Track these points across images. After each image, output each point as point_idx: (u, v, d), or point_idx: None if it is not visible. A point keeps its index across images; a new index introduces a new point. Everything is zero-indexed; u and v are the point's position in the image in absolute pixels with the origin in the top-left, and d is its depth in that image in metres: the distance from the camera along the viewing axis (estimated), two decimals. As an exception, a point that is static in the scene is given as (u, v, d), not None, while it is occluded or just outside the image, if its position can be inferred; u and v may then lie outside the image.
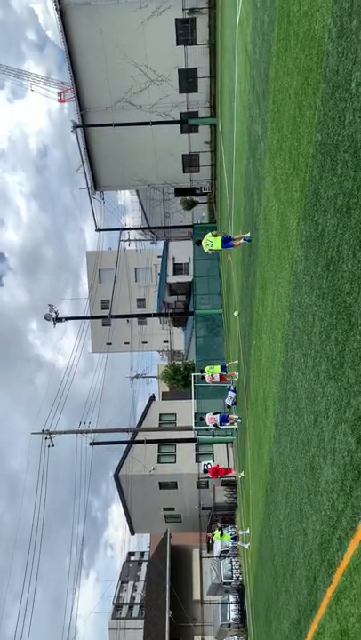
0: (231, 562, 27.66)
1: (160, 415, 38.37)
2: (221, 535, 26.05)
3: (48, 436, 28.37)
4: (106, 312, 43.70)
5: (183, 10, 30.49)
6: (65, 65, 32.98)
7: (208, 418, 22.18)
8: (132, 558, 72.55)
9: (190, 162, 38.03)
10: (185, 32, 31.57)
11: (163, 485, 36.18)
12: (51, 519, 65.53)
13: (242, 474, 20.73)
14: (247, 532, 17.75)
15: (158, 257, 55.66)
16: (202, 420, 24.24)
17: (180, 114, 34.64)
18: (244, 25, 13.20)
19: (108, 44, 31.54)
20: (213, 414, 22.03)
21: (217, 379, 23.03)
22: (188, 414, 32.05)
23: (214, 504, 33.15)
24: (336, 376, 4.88)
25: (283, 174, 7.58)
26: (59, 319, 31.77)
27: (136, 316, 44.71)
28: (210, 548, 33.38)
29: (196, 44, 31.96)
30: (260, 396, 11.85)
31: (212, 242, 15.22)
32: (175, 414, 38.01)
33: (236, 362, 19.91)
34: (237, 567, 27.09)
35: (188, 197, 48.81)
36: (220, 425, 21.76)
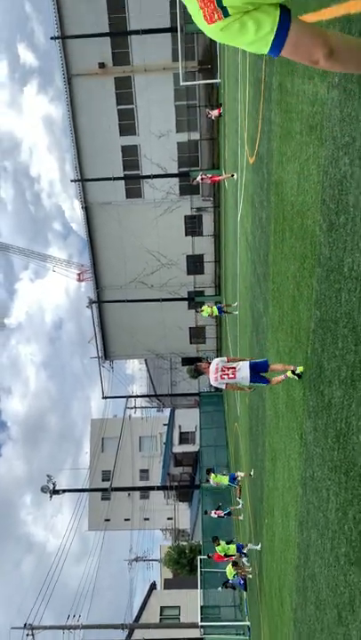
0: None
1: (161, 608, 33.81)
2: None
3: (30, 632, 24.82)
4: (106, 484, 41.57)
5: (191, 209, 35.38)
6: (85, 249, 37.19)
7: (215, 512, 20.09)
8: None
9: (197, 334, 40.17)
10: (193, 225, 36.25)
11: None
12: None
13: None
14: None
15: (164, 425, 54.97)
16: (206, 513, 22.02)
17: (188, 292, 37.86)
18: (245, 220, 15.06)
19: (125, 235, 35.92)
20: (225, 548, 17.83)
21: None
22: (193, 607, 28.24)
23: None
24: (358, 561, 4.44)
25: (285, 347, 7.89)
26: (56, 491, 30.20)
27: (138, 489, 42.44)
28: None
29: (202, 235, 36.38)
30: (274, 585, 10.60)
31: (210, 310, 20.19)
32: (179, 607, 33.47)
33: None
34: None
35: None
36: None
